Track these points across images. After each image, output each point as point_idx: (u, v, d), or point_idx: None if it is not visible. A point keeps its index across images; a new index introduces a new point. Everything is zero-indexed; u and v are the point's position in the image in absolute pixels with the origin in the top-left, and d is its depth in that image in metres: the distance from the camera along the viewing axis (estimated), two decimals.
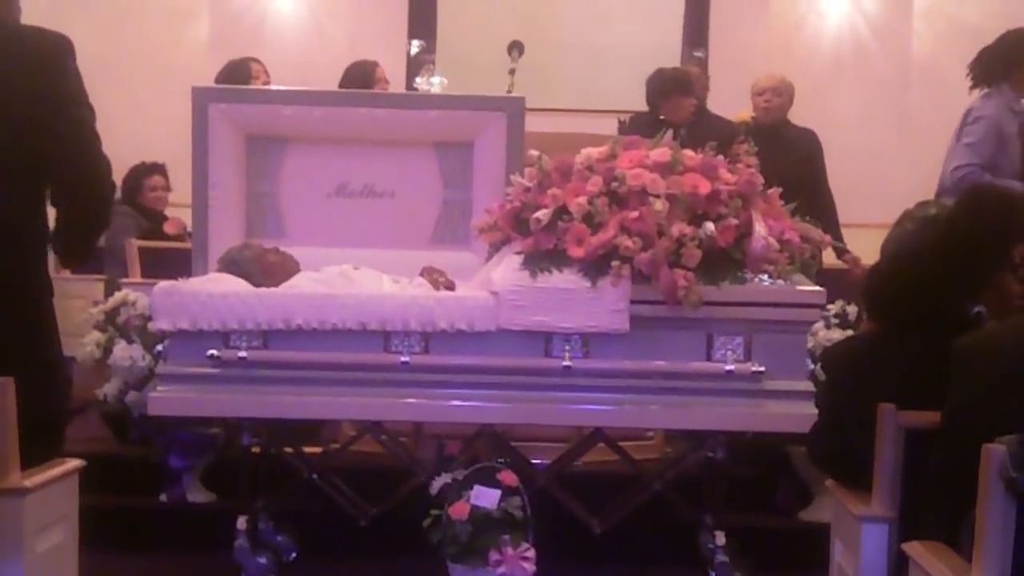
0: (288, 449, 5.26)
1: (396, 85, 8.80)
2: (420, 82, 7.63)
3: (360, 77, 7.28)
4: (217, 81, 7.15)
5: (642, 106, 7.51)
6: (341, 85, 7.26)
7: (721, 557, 4.92)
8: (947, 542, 2.99)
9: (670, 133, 5.12)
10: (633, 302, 4.64)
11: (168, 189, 7.99)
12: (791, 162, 7.21)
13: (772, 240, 4.68)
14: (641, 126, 6.75)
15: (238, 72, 7.24)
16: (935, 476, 3.11)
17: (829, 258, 7.34)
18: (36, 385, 3.51)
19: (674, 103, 7.26)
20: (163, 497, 5.79)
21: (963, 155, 6.32)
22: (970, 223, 3.52)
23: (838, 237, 7.24)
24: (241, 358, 4.72)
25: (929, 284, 3.52)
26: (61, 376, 3.77)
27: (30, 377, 3.45)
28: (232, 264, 5.07)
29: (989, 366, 2.94)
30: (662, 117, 7.13)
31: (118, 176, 7.55)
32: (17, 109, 3.54)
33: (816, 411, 4.12)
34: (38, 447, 3.41)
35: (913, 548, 3.05)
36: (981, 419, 2.85)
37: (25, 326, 3.57)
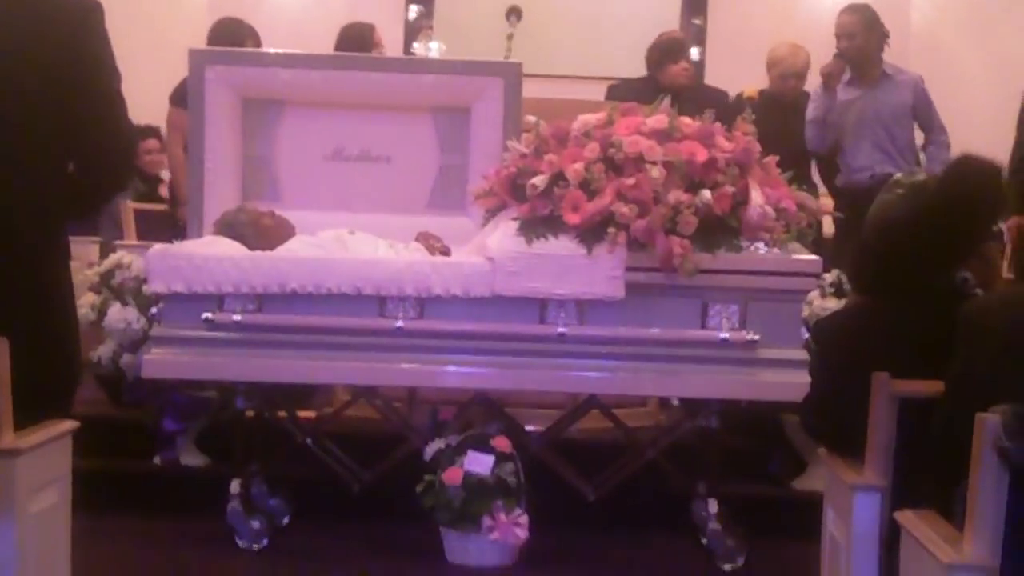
0: (282, 413, 5.26)
1: (394, 50, 8.77)
2: (418, 47, 7.62)
3: (356, 39, 7.21)
4: (209, 34, 7.04)
5: (640, 73, 7.50)
6: (337, 47, 7.19)
7: (714, 525, 4.93)
8: (940, 511, 2.99)
9: (667, 100, 5.10)
10: (629, 269, 4.63)
11: (163, 152, 7.96)
12: (803, 133, 7.22)
13: (768, 208, 4.67)
14: (632, 91, 6.74)
15: (231, 34, 7.12)
16: (932, 443, 3.11)
17: (828, 227, 7.34)
18: (49, 349, 3.52)
19: (667, 71, 7.27)
20: (157, 460, 5.79)
21: None
22: (962, 193, 3.51)
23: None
24: (236, 321, 4.72)
25: (920, 253, 3.51)
26: (73, 341, 3.76)
27: (43, 341, 3.47)
28: (227, 227, 5.07)
29: (993, 335, 2.93)
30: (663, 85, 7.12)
31: None
32: (45, 72, 3.53)
33: (810, 380, 4.12)
34: (48, 410, 3.42)
35: (905, 517, 3.05)
36: (982, 388, 2.84)
37: (41, 290, 3.56)
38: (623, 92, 6.87)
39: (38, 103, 3.53)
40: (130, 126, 3.82)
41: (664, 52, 7.39)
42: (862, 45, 7.02)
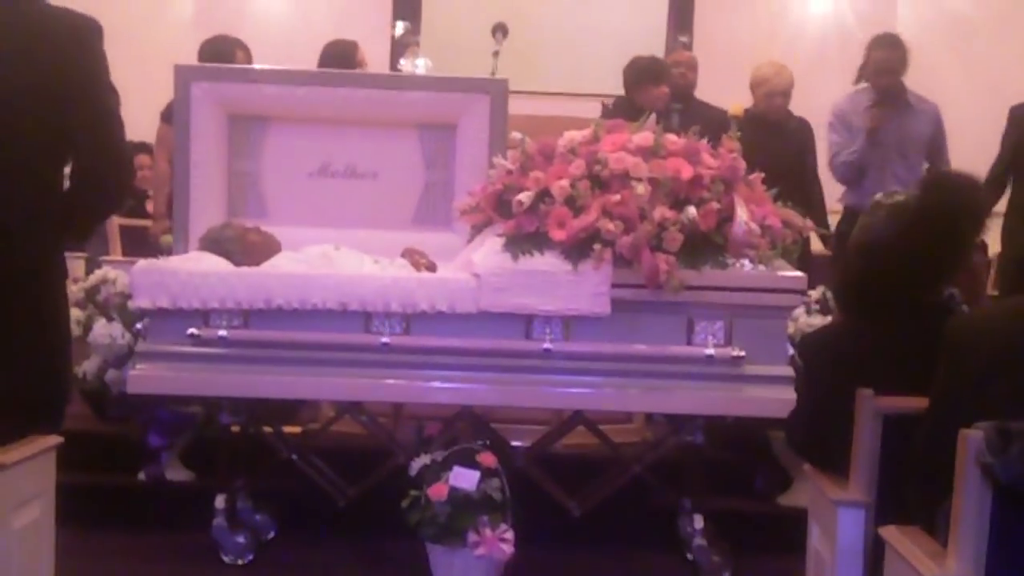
0: (267, 429, 5.26)
1: (380, 66, 8.78)
2: (404, 63, 7.61)
3: (339, 57, 7.22)
4: (200, 53, 7.07)
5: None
6: (320, 64, 7.20)
7: (699, 541, 4.94)
8: (924, 527, 3.00)
9: (653, 117, 5.11)
10: (614, 286, 4.64)
11: (151, 168, 7.95)
12: (790, 152, 7.27)
13: (754, 225, 4.68)
14: (624, 110, 6.73)
15: (221, 52, 7.14)
16: (916, 459, 3.11)
17: (817, 244, 7.37)
18: (42, 366, 3.53)
19: (647, 92, 7.24)
20: (141, 475, 5.78)
21: None
22: (943, 209, 3.53)
23: (824, 223, 7.27)
24: (221, 337, 4.72)
25: (906, 272, 3.53)
26: (66, 358, 3.77)
27: (36, 357, 3.49)
28: (213, 243, 5.07)
29: (977, 351, 2.94)
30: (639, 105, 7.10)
31: None
32: (43, 90, 3.52)
33: (795, 396, 4.13)
34: (38, 426, 3.42)
35: (889, 532, 3.06)
36: (966, 404, 2.85)
37: (35, 307, 3.56)
38: (619, 111, 6.88)
39: (35, 121, 3.53)
40: (127, 146, 3.82)
41: (640, 72, 7.36)
42: (900, 80, 7.08)
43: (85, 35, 3.63)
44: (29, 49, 3.53)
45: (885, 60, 7.02)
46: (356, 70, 7.12)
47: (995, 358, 2.90)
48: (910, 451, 3.14)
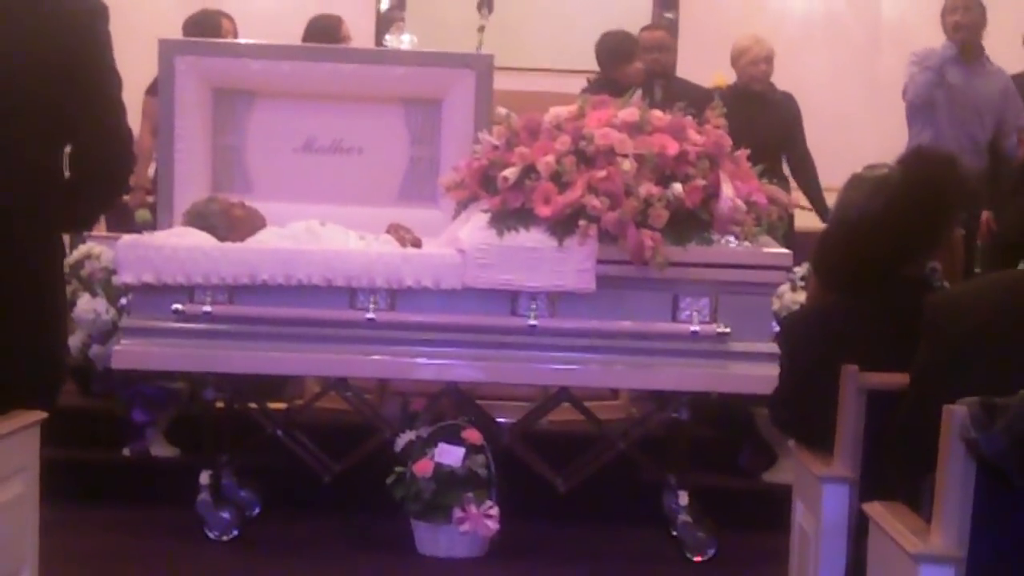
0: (252, 405, 5.26)
1: (366, 41, 8.73)
2: (390, 39, 7.59)
3: (323, 32, 7.20)
4: (184, 28, 7.04)
5: None
6: (304, 39, 7.17)
7: (684, 517, 4.95)
8: (908, 503, 3.00)
9: (639, 93, 5.11)
10: (599, 262, 4.64)
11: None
12: (775, 125, 7.23)
13: (739, 202, 4.69)
14: (604, 87, 6.72)
15: (207, 22, 7.13)
16: (899, 435, 3.12)
17: (803, 220, 7.36)
18: (38, 345, 3.53)
19: (621, 70, 7.20)
20: (126, 451, 5.77)
21: None
22: (927, 185, 3.54)
23: (820, 199, 7.27)
24: (206, 313, 4.72)
25: (889, 247, 3.52)
26: (62, 338, 3.77)
27: (32, 337, 3.48)
28: (197, 218, 5.05)
29: (958, 326, 2.94)
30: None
31: None
32: (45, 71, 3.50)
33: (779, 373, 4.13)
34: (32, 405, 3.41)
35: (873, 508, 3.06)
36: (947, 379, 2.85)
37: (33, 289, 3.55)
38: (600, 87, 6.86)
39: (35, 101, 3.51)
40: (128, 132, 3.79)
41: (611, 53, 7.32)
42: (977, 20, 6.97)
43: (89, 18, 3.60)
44: (32, 31, 3.51)
45: (958, 21, 6.97)
46: (340, 45, 7.11)
47: (975, 334, 2.90)
48: (891, 427, 3.15)
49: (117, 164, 3.75)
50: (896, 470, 3.11)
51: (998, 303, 2.93)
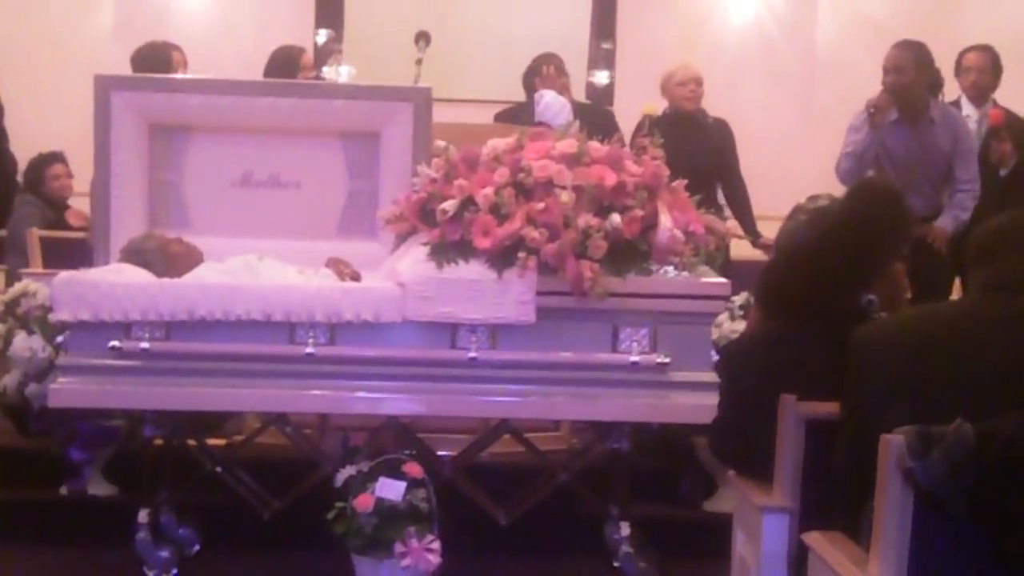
0: (191, 441, 5.22)
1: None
2: (327, 71, 7.58)
3: (284, 63, 7.20)
4: (133, 62, 7.00)
5: None
6: (266, 70, 7.18)
7: (626, 548, 4.95)
8: (847, 532, 3.02)
9: (577, 124, 5.12)
10: (539, 293, 4.64)
11: (70, 176, 7.88)
12: (707, 151, 7.27)
13: (677, 232, 4.70)
14: (518, 116, 6.78)
15: (157, 56, 7.08)
16: (836, 467, 3.14)
17: (739, 250, 7.41)
18: None
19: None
20: (64, 490, 5.71)
21: None
22: (867, 215, 3.58)
23: (753, 226, 7.32)
24: (143, 349, 4.68)
25: (826, 277, 3.56)
26: None
27: None
28: (134, 254, 5.02)
29: (885, 357, 2.98)
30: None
31: (20, 164, 7.48)
32: None
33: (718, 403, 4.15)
34: None
35: (813, 538, 3.08)
36: (879, 410, 2.88)
37: None
38: (509, 116, 6.92)
39: None
40: (11, 157, 3.76)
41: (533, 72, 7.41)
42: (910, 83, 6.67)
43: None
44: None
45: (890, 58, 6.68)
46: (300, 75, 7.12)
47: (902, 364, 2.94)
48: (831, 457, 3.17)
49: None
50: (836, 500, 3.13)
51: (923, 333, 2.97)
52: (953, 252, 6.42)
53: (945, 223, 6.64)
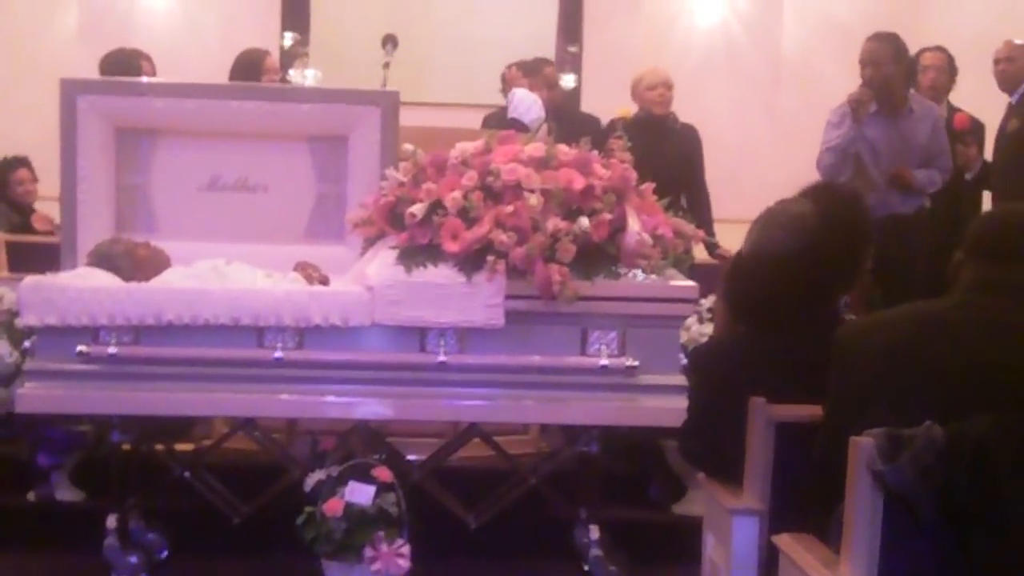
0: (159, 446, 5.20)
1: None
2: (294, 75, 7.59)
3: (248, 66, 7.18)
4: (101, 68, 6.97)
5: None
6: (231, 74, 7.16)
7: (596, 551, 4.95)
8: (817, 534, 3.03)
9: (545, 127, 5.13)
10: (508, 297, 4.64)
11: (35, 181, 7.85)
12: (675, 156, 7.30)
13: (646, 235, 4.71)
14: (502, 120, 6.78)
15: (126, 63, 7.04)
16: (811, 467, 3.15)
17: (701, 253, 7.42)
18: None
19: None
20: (31, 496, 5.69)
21: None
22: (845, 221, 3.59)
23: (711, 233, 7.33)
24: (111, 354, 4.66)
25: (815, 284, 3.56)
26: None
27: None
28: (102, 259, 5.00)
29: (865, 358, 2.98)
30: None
31: None
32: None
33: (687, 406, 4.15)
34: None
35: (783, 540, 3.09)
36: (858, 411, 2.88)
37: None
38: (496, 122, 6.92)
39: None
40: None
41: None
42: (888, 75, 6.73)
43: None
44: None
45: (867, 52, 6.76)
46: (265, 78, 7.10)
47: (883, 366, 2.94)
48: (803, 460, 3.18)
49: None
50: (807, 502, 3.14)
51: (904, 334, 2.97)
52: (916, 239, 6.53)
53: (919, 174, 6.78)
